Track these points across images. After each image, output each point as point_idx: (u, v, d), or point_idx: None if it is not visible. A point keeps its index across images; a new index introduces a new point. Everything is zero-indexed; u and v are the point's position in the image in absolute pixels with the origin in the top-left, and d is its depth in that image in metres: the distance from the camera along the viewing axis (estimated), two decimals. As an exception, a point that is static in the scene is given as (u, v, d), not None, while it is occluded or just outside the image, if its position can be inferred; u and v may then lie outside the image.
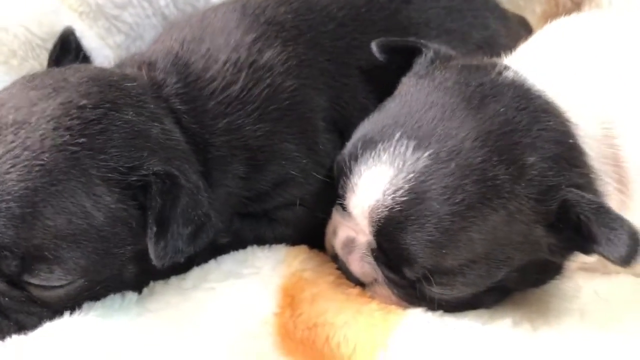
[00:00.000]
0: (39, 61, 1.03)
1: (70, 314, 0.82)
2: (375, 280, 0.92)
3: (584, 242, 0.81)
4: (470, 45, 1.12)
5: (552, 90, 0.88)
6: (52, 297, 0.81)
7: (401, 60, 0.96)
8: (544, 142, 0.81)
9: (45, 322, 0.81)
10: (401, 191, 0.81)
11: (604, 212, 0.78)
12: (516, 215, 0.81)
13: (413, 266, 0.83)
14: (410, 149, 0.81)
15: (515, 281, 0.89)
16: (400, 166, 0.81)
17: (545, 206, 0.81)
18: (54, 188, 0.77)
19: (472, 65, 0.89)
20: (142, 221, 0.82)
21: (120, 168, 0.80)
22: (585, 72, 0.91)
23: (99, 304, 0.83)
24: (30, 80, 0.84)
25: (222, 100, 0.91)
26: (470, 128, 0.81)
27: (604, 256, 0.79)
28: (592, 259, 0.91)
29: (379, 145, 0.83)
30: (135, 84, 0.87)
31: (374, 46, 0.97)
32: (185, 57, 0.93)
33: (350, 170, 0.86)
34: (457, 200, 0.79)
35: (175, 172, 0.82)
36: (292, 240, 0.98)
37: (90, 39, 1.06)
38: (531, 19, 1.38)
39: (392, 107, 0.88)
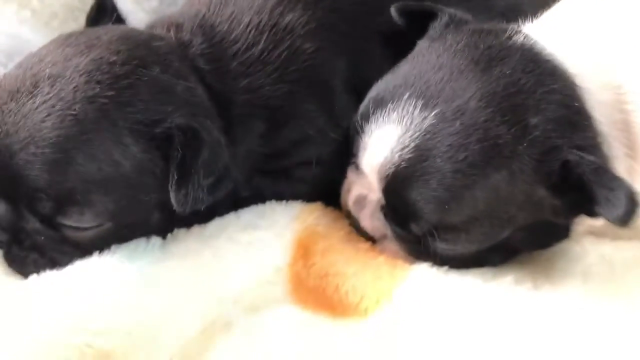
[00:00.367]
0: (78, 23, 1.09)
1: (99, 254, 0.88)
2: (385, 236, 0.96)
3: (587, 203, 0.83)
4: (494, 12, 1.12)
5: (564, 55, 0.89)
6: (83, 238, 0.87)
7: (419, 24, 0.98)
8: (547, 104, 0.83)
9: (76, 260, 0.87)
10: (408, 149, 0.84)
11: (603, 173, 0.79)
12: (518, 174, 0.83)
13: (419, 222, 0.87)
14: (418, 109, 0.84)
15: (520, 241, 0.92)
16: (408, 125, 0.84)
17: (547, 167, 0.83)
18: (84, 136, 0.83)
19: (483, 29, 0.91)
20: (167, 171, 0.86)
21: (146, 120, 0.86)
22: (599, 38, 0.92)
23: (125, 246, 0.89)
24: (66, 38, 0.90)
25: (244, 60, 0.96)
26: (475, 89, 0.83)
27: (603, 216, 0.81)
28: (600, 223, 0.93)
29: (389, 104, 0.87)
30: (162, 43, 0.92)
31: (393, 10, 0.99)
32: (211, 19, 0.97)
33: (362, 129, 0.90)
34: (460, 158, 0.82)
35: (197, 126, 0.87)
36: (309, 197, 1.03)
37: (126, 2, 1.11)
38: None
39: (404, 68, 0.91)
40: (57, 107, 0.83)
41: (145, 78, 0.87)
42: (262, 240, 0.95)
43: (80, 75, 0.84)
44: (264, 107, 0.97)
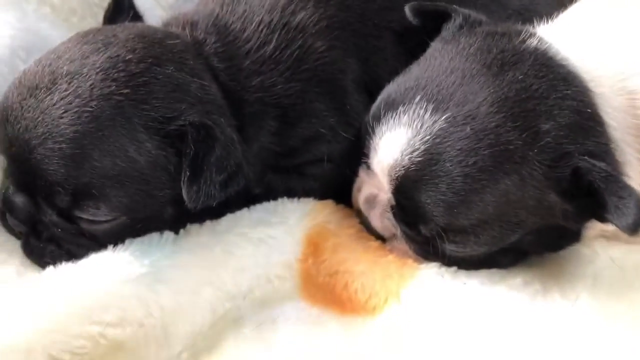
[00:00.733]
0: (96, 19, 1.11)
1: (114, 247, 0.90)
2: (394, 235, 0.97)
3: (598, 209, 0.83)
4: (509, 12, 1.12)
5: (578, 60, 0.89)
6: (99, 231, 0.90)
7: (433, 24, 0.98)
8: (560, 110, 0.83)
9: (91, 253, 0.89)
10: (418, 152, 0.84)
11: (613, 181, 0.79)
12: (528, 179, 0.83)
13: (428, 223, 0.87)
14: (429, 112, 0.85)
15: (531, 244, 0.92)
16: (418, 128, 0.85)
17: (558, 172, 0.83)
18: (100, 133, 0.85)
19: (496, 32, 0.91)
20: (180, 168, 0.88)
21: (160, 118, 0.87)
22: (614, 43, 0.91)
23: (139, 240, 0.91)
24: (84, 36, 0.91)
25: (257, 59, 0.97)
26: (487, 94, 0.83)
27: (613, 223, 0.81)
28: (611, 227, 0.92)
29: (400, 107, 0.87)
30: (177, 41, 0.93)
31: (407, 10, 0.99)
32: (224, 18, 0.98)
33: (373, 131, 0.90)
34: (470, 163, 0.82)
35: (211, 124, 0.89)
36: (320, 195, 1.04)
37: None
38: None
39: (416, 70, 0.91)
40: (75, 104, 0.85)
41: (160, 76, 0.89)
42: (273, 236, 0.97)
43: (97, 73, 0.86)
44: (276, 106, 0.98)
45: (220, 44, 0.96)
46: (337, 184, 1.04)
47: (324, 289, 0.95)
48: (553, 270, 0.94)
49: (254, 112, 0.97)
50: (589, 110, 0.85)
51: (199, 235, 0.95)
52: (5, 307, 0.82)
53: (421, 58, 0.93)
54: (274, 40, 0.97)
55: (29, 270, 0.91)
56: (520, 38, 0.89)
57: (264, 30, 0.97)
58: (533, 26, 0.98)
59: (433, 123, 0.84)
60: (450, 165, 0.83)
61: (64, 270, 0.88)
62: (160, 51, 0.91)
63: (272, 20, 0.98)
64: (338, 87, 1.01)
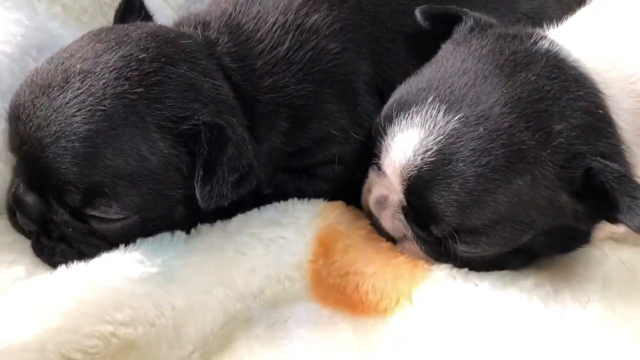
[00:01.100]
0: (107, 19, 1.12)
1: (125, 246, 0.90)
2: (405, 236, 0.97)
3: (609, 210, 0.83)
4: (519, 15, 1.13)
5: (589, 62, 0.89)
6: (110, 230, 0.90)
7: (444, 27, 0.99)
8: (572, 111, 0.84)
9: (103, 252, 0.89)
10: (430, 152, 0.85)
11: (626, 181, 0.80)
12: (540, 180, 0.83)
13: (439, 224, 0.87)
14: (442, 113, 0.85)
15: (541, 245, 0.92)
16: (431, 128, 0.85)
17: (570, 173, 0.83)
18: (113, 132, 0.84)
19: (508, 34, 0.91)
20: (192, 167, 0.88)
21: (173, 117, 0.87)
22: (624, 46, 0.92)
23: (150, 239, 0.91)
24: (96, 35, 0.92)
25: (269, 60, 0.97)
26: (500, 94, 0.84)
27: (624, 224, 0.81)
28: (621, 229, 0.93)
29: (413, 107, 0.87)
30: (190, 41, 0.94)
31: (417, 13, 1.00)
32: (237, 18, 0.99)
33: (385, 131, 0.91)
34: (482, 163, 0.82)
35: (223, 124, 0.89)
36: (331, 196, 1.04)
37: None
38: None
39: (428, 71, 0.91)
40: (87, 103, 0.84)
41: (173, 75, 0.89)
42: (284, 237, 0.97)
43: (110, 72, 0.86)
44: (288, 106, 0.99)
45: (233, 44, 0.97)
46: (347, 185, 1.04)
47: (335, 290, 0.95)
48: (563, 272, 0.94)
49: (266, 112, 0.97)
50: (600, 112, 0.85)
51: (210, 236, 0.95)
52: (17, 306, 0.82)
53: (433, 59, 0.94)
54: (288, 41, 0.97)
55: (39, 269, 0.91)
56: (532, 40, 0.90)
57: (278, 31, 0.97)
58: (543, 29, 0.99)
59: (446, 123, 0.84)
60: (463, 165, 0.83)
61: (76, 270, 0.88)
62: (173, 50, 0.91)
63: (286, 21, 0.98)
64: (350, 88, 1.01)
